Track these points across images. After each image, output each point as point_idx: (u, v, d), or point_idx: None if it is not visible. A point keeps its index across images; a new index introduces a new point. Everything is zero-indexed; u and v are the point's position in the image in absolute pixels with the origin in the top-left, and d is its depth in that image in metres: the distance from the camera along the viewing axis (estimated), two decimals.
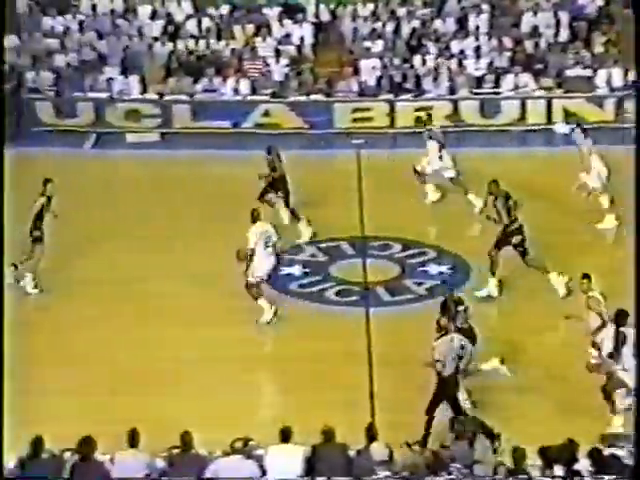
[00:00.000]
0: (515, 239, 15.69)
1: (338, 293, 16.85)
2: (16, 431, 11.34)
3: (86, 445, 10.78)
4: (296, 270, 17.39)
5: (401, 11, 25.72)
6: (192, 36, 25.34)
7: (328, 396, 13.52)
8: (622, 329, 12.52)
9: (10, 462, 10.85)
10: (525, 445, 10.67)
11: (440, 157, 18.89)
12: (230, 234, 16.41)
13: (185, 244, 17.96)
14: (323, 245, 18.28)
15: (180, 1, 25.91)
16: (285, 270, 17.26)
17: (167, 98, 23.97)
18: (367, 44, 25.22)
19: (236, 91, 24.42)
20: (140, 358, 14.69)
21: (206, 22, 25.59)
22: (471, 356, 12.67)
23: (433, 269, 17.21)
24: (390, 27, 25.45)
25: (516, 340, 14.76)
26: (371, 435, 11.26)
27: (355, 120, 23.86)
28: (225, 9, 25.91)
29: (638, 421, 11.19)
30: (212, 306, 15.97)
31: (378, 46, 25.10)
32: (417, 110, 23.10)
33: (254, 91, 24.33)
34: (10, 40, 24.57)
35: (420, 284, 16.92)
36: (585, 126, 19.10)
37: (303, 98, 24.26)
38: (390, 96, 24.15)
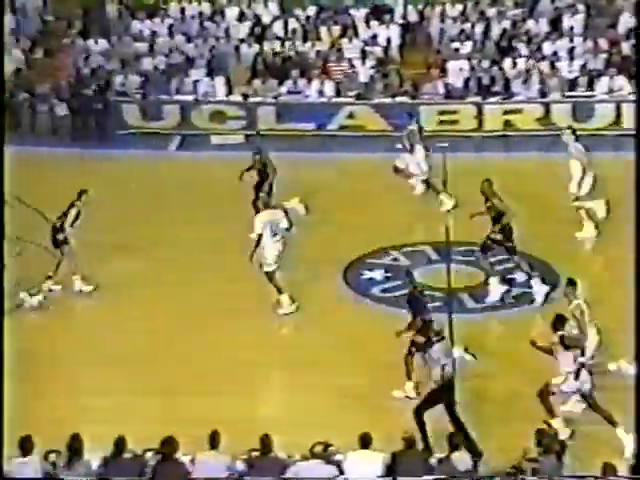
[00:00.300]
0: (495, 235, 15.75)
1: None
2: (99, 430, 11.49)
3: (168, 445, 10.83)
4: (378, 274, 17.15)
5: (491, 11, 25.33)
6: (278, 38, 25.28)
7: (409, 403, 13.25)
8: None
9: (94, 461, 10.95)
10: None
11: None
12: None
13: None
14: (406, 249, 18.00)
15: (267, 3, 25.86)
16: (367, 274, 17.05)
17: (252, 100, 23.92)
18: (455, 45, 24.86)
19: (321, 93, 24.30)
20: (217, 359, 14.59)
21: (292, 23, 25.50)
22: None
23: (519, 276, 16.79)
24: (479, 28, 25.07)
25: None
26: (454, 444, 11.04)
27: (441, 123, 23.51)
28: (312, 10, 25.79)
29: (638, 421, 11.10)
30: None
31: (466, 47, 24.74)
32: (506, 113, 22.61)
33: (339, 93, 24.18)
34: (100, 44, 24.85)
35: (508, 291, 16.52)
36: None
37: (388, 100, 24.00)
38: (478, 99, 23.76)
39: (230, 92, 24.23)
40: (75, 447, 10.88)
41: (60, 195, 17.39)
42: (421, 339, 12.87)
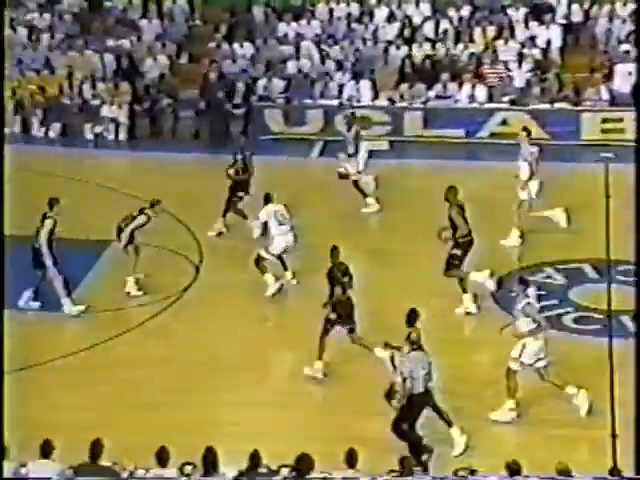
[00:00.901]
0: (457, 250, 15.08)
1: (577, 320, 15.54)
2: (233, 444, 11.29)
3: (303, 462, 10.42)
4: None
5: None
6: (428, 39, 23.99)
7: (569, 431, 12.66)
8: None
9: (230, 474, 10.73)
10: None
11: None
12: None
13: (403, 260, 16.88)
14: (562, 267, 16.63)
15: (419, 3, 24.58)
16: None
17: (399, 105, 22.78)
18: (625, 47, 22.97)
19: (472, 98, 22.88)
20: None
21: (444, 24, 24.16)
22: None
23: None
24: None
25: None
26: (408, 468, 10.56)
27: (604, 131, 21.80)
28: (466, 10, 24.38)
29: (638, 421, 11.04)
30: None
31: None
32: None
33: (491, 98, 22.75)
34: (245, 47, 24.05)
35: None
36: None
37: (546, 106, 22.37)
38: None
39: (376, 96, 23.13)
40: (210, 460, 10.62)
41: (201, 203, 17.46)
42: (333, 316, 13.29)
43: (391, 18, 24.43)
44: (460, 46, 23.78)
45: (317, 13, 24.82)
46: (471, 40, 23.84)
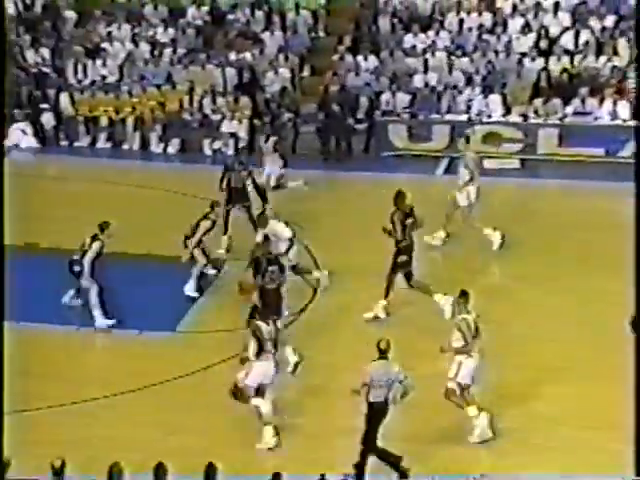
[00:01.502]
0: (400, 258, 14.86)
1: None
2: None
3: None
4: None
5: None
6: (567, 51, 22.37)
7: None
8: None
9: None
10: None
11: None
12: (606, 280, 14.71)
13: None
14: None
15: (557, 12, 23.00)
16: None
17: (532, 121, 21.29)
18: None
19: (613, 114, 21.12)
20: None
21: (585, 35, 22.51)
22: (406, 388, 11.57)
23: None
24: None
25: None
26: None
27: None
28: (609, 20, 22.68)
29: (638, 421, 10.90)
30: None
31: None
32: None
33: (636, 115, 20.92)
34: (369, 60, 23.01)
35: None
36: None
37: None
38: None
39: (507, 112, 21.65)
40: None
41: (319, 221, 17.09)
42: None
43: (526, 29, 22.92)
44: (602, 59, 22.09)
45: (446, 23, 23.54)
46: (615, 52, 22.12)
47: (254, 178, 17.61)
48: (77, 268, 15.04)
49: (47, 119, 22.79)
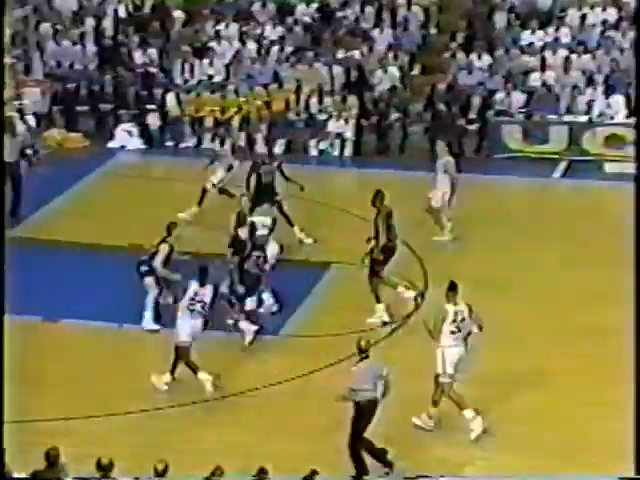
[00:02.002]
0: (380, 255, 14.44)
1: None
2: None
3: None
4: None
5: None
6: None
7: None
8: None
9: None
10: None
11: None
12: None
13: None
14: None
15: None
16: None
17: None
18: None
19: None
20: None
21: None
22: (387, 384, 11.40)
23: None
24: None
25: None
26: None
27: None
28: None
29: (638, 421, 10.86)
30: None
31: None
32: None
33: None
34: (483, 59, 22.07)
35: None
36: None
37: None
38: None
39: (632, 113, 20.39)
40: None
41: (425, 225, 16.51)
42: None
43: None
44: None
45: (567, 19, 22.36)
46: None
47: (283, 170, 17.06)
48: (144, 268, 14.64)
49: (153, 120, 22.53)
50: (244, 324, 14.02)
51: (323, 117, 21.86)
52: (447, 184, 16.88)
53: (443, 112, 21.03)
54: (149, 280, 14.63)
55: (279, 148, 21.88)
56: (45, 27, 24.06)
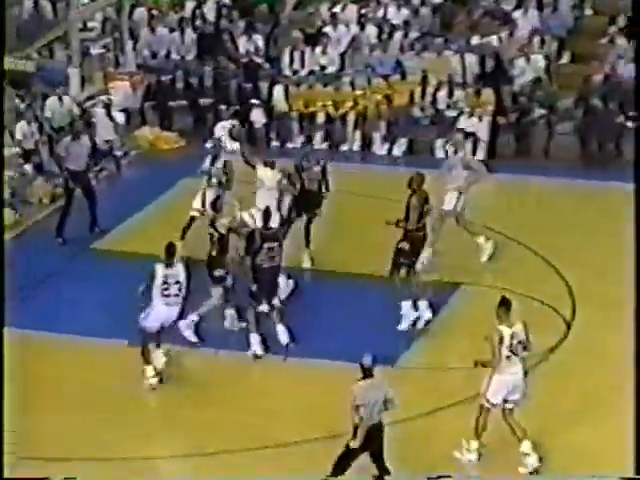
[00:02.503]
0: (402, 244, 14.35)
1: None
2: None
3: None
4: None
5: None
6: None
7: None
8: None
9: None
10: None
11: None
12: None
13: None
14: None
15: None
16: None
17: None
18: None
19: None
20: None
21: None
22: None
23: None
24: None
25: None
26: None
27: None
28: None
29: (638, 421, 11.17)
30: None
31: None
32: None
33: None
34: None
35: None
36: None
37: None
38: None
39: None
40: None
41: (571, 239, 15.90)
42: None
43: None
44: None
45: None
46: None
47: (325, 172, 15.94)
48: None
49: (257, 116, 20.67)
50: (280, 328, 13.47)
51: (453, 114, 20.02)
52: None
53: (598, 108, 19.31)
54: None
55: (400, 149, 20.24)
56: (140, 12, 22.64)
